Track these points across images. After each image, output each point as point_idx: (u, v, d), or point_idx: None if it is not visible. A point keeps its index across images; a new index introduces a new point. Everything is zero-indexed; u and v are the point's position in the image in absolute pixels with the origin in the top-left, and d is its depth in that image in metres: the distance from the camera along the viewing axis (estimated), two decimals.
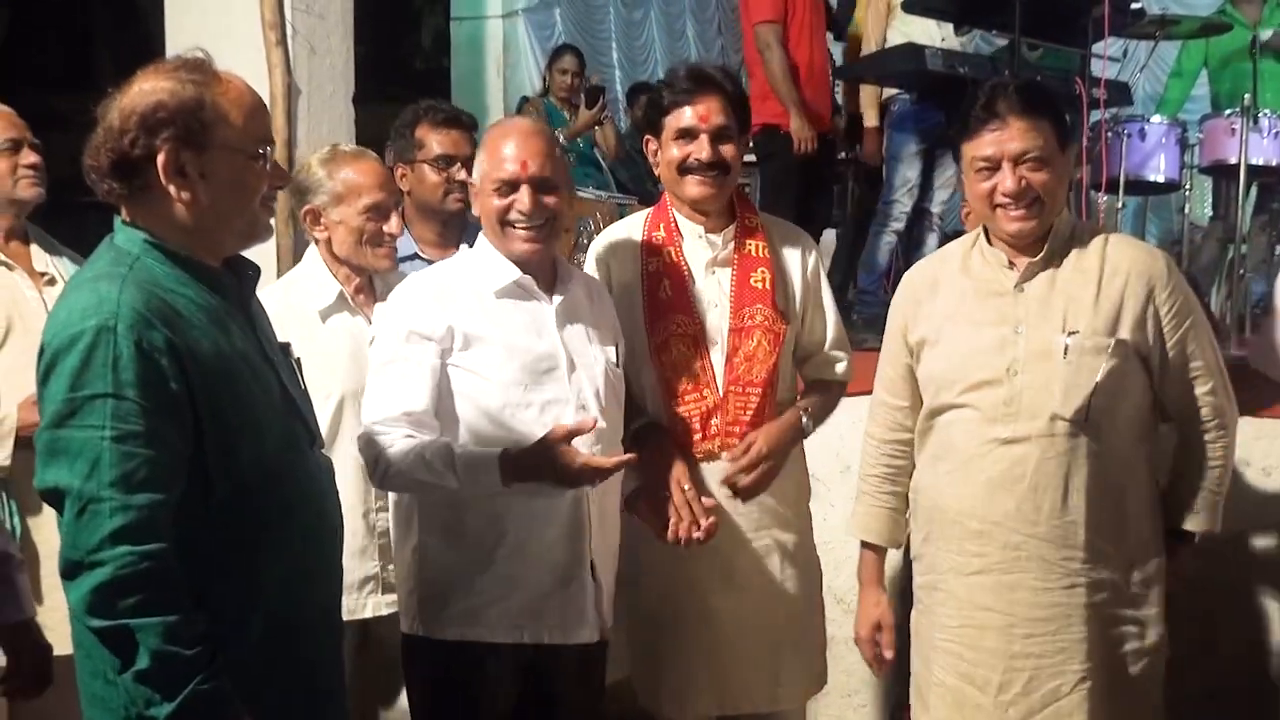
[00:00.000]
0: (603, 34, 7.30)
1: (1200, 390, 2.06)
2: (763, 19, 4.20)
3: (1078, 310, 2.01)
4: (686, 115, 2.23)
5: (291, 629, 1.61)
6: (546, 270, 2.12)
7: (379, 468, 1.98)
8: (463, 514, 2.02)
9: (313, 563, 1.68)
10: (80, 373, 1.41)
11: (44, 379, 1.46)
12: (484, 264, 2.10)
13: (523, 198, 2.01)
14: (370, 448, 1.99)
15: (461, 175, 2.65)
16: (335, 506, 1.74)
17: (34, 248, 2.54)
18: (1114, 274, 2.02)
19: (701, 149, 2.22)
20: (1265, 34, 4.63)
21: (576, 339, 2.11)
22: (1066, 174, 2.09)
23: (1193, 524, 2.10)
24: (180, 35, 3.94)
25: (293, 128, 3.74)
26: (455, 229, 2.77)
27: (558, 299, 2.10)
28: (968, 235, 2.22)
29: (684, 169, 2.24)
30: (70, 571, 1.41)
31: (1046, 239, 2.05)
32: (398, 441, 1.95)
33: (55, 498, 1.43)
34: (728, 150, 2.25)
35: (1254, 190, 4.50)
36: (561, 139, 4.20)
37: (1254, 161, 4.22)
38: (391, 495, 2.17)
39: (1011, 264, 2.07)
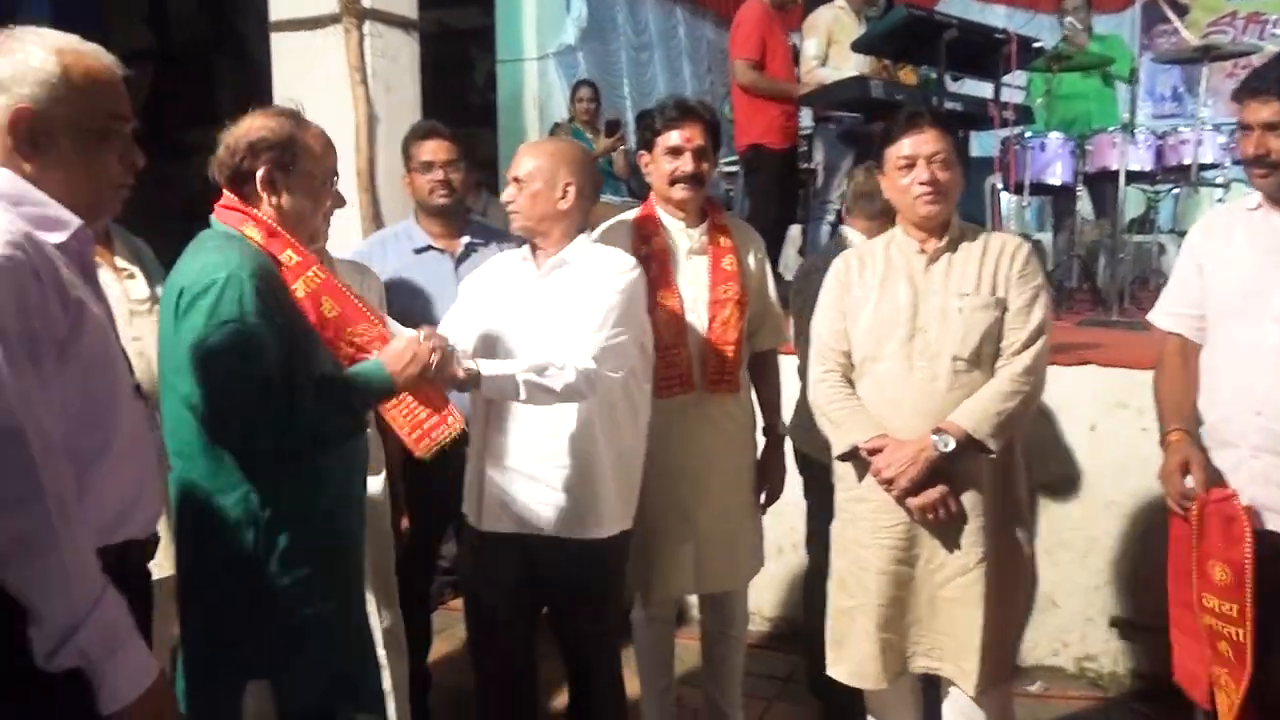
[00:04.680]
0: (616, 72, 8.16)
1: (1017, 335, 2.34)
2: (740, 56, 5.08)
3: (967, 281, 2.36)
4: (674, 137, 2.57)
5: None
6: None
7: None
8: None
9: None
10: (216, 306, 1.79)
11: (185, 311, 1.81)
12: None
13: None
14: None
15: (439, 176, 3.01)
16: None
17: (117, 245, 2.53)
18: (990, 254, 2.39)
19: (686, 164, 2.58)
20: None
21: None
22: (961, 179, 2.41)
23: (964, 420, 2.29)
24: (284, 78, 4.57)
25: (374, 149, 4.40)
26: (456, 222, 3.10)
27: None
28: (887, 233, 2.53)
29: (673, 180, 2.59)
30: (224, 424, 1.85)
31: (947, 230, 2.39)
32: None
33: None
34: (705, 166, 2.61)
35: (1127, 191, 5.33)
36: None
37: (1131, 168, 5.16)
38: None
39: (921, 249, 2.41)
